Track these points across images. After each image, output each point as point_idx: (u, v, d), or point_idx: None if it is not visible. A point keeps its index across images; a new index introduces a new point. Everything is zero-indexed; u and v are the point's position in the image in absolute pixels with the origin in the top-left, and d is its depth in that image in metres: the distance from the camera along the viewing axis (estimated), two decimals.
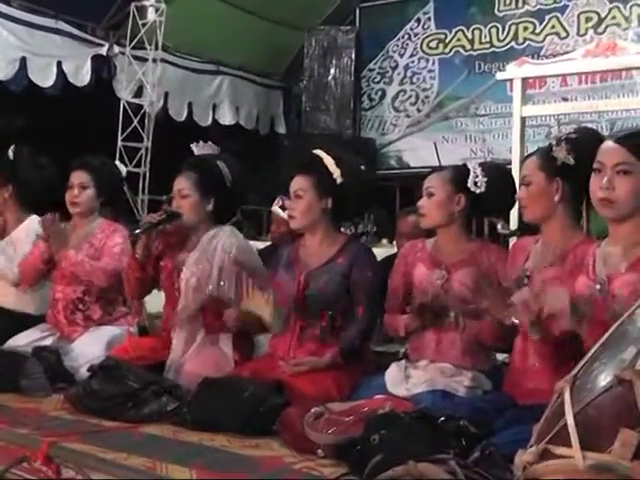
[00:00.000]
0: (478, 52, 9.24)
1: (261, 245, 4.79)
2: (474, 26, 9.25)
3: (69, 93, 8.03)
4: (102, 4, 8.28)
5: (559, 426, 1.66)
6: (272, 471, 2.36)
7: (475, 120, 9.22)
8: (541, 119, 8.07)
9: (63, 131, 7.84)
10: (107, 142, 8.06)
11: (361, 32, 9.81)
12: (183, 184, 3.57)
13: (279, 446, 2.61)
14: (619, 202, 2.36)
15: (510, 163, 5.77)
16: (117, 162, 4.66)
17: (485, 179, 3.09)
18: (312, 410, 2.58)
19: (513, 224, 4.29)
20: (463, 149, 8.99)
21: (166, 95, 8.92)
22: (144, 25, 8.22)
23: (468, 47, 9.31)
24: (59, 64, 7.92)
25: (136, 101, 8.44)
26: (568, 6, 8.64)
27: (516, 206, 3.10)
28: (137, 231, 3.55)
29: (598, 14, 8.45)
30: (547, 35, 8.78)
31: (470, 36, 9.28)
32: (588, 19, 8.53)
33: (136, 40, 8.28)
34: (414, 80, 9.65)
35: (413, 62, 9.67)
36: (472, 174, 3.11)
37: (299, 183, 3.35)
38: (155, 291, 3.84)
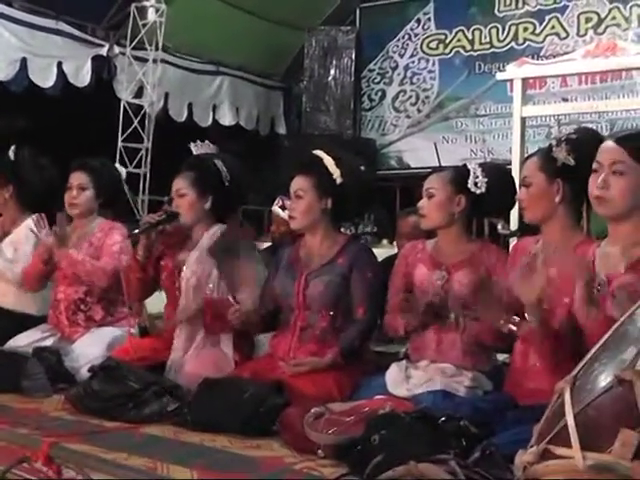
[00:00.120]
0: (478, 52, 9.24)
1: (261, 245, 4.80)
2: (474, 26, 9.24)
3: (69, 94, 8.03)
4: (102, 5, 8.27)
5: (559, 426, 1.67)
6: (273, 471, 2.36)
7: (475, 120, 9.22)
8: (541, 119, 8.07)
9: (63, 132, 7.84)
10: (107, 143, 8.06)
11: (361, 32, 9.80)
12: (181, 183, 3.59)
13: (279, 446, 2.62)
14: (613, 201, 2.37)
15: (510, 163, 5.79)
16: (117, 165, 4.66)
17: (485, 180, 3.09)
18: (312, 410, 2.59)
19: (513, 225, 4.30)
20: (463, 149, 8.99)
21: (166, 96, 8.92)
22: (144, 26, 8.22)
23: (468, 47, 9.31)
24: (59, 65, 7.92)
25: (136, 102, 8.43)
26: (568, 6, 8.64)
27: (516, 206, 3.10)
28: (136, 231, 3.55)
29: (598, 14, 8.45)
30: (547, 35, 8.78)
31: (470, 36, 9.28)
32: (588, 19, 8.53)
33: (136, 41, 8.28)
34: (414, 80, 9.65)
35: (413, 62, 9.67)
36: (472, 175, 3.11)
37: (299, 183, 3.35)
38: (156, 291, 3.85)
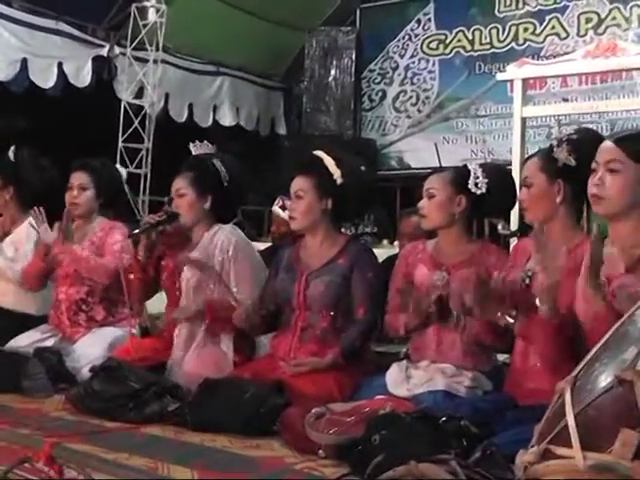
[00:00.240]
0: (478, 53, 9.24)
1: (262, 246, 4.80)
2: (474, 27, 9.24)
3: (70, 94, 8.02)
4: (103, 5, 8.27)
5: (560, 426, 1.67)
6: (273, 471, 2.37)
7: (475, 121, 9.22)
8: (541, 120, 8.06)
9: (64, 132, 7.84)
10: (108, 143, 8.07)
11: (362, 33, 9.80)
12: (180, 184, 3.59)
13: (280, 446, 2.62)
14: (609, 199, 2.38)
15: (510, 164, 5.78)
16: (118, 165, 4.67)
17: (486, 180, 3.09)
18: (313, 410, 2.59)
19: (514, 225, 4.30)
20: (463, 150, 8.99)
21: (167, 96, 8.92)
22: (145, 26, 8.22)
23: (468, 48, 9.30)
24: (60, 65, 7.92)
25: (137, 102, 8.43)
26: (568, 7, 8.64)
27: (517, 207, 3.10)
28: (136, 231, 3.56)
29: (598, 15, 8.45)
30: (547, 36, 8.77)
31: (470, 37, 9.28)
32: (588, 20, 8.53)
33: (137, 41, 8.28)
34: (414, 81, 9.64)
35: (413, 63, 9.67)
36: (473, 175, 3.11)
37: (299, 184, 3.35)
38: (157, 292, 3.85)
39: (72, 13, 7.97)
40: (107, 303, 3.96)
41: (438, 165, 8.03)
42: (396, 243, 6.40)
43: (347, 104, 9.57)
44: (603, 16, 8.41)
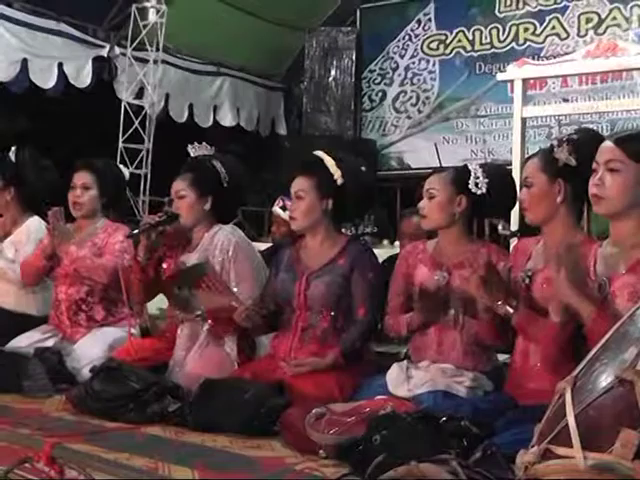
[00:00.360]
0: (479, 53, 9.24)
1: (262, 246, 4.80)
2: (475, 27, 9.24)
3: (70, 94, 8.03)
4: (103, 6, 8.28)
5: (560, 426, 1.67)
6: (274, 471, 2.37)
7: (476, 121, 9.22)
8: (542, 120, 8.07)
9: (64, 132, 7.85)
10: (108, 144, 8.07)
11: (362, 33, 9.81)
12: (180, 185, 3.59)
13: (281, 447, 2.62)
14: (609, 198, 2.38)
15: (511, 164, 5.78)
16: (120, 165, 4.66)
17: (486, 180, 3.09)
18: (313, 411, 2.59)
19: (514, 225, 4.30)
20: (464, 150, 8.99)
21: (167, 96, 8.93)
22: (145, 26, 8.23)
23: (469, 48, 9.31)
24: (60, 65, 7.93)
25: (137, 102, 8.44)
26: (568, 7, 8.64)
27: (517, 207, 3.10)
28: (135, 231, 3.55)
29: (598, 15, 8.45)
30: (547, 36, 8.78)
31: (471, 37, 9.28)
32: (588, 20, 8.53)
33: (137, 41, 8.29)
34: (415, 81, 9.65)
35: (414, 63, 9.67)
36: (473, 175, 3.11)
37: (300, 184, 3.35)
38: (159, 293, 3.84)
39: (72, 14, 7.97)
40: (107, 303, 3.96)
41: (438, 165, 8.03)
42: (396, 243, 6.40)
43: (347, 104, 9.58)
44: (603, 16, 8.41)
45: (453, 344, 3.08)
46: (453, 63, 9.39)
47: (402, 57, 9.74)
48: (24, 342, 3.79)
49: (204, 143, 3.74)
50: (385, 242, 7.13)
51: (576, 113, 7.28)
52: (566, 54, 7.14)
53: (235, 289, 3.43)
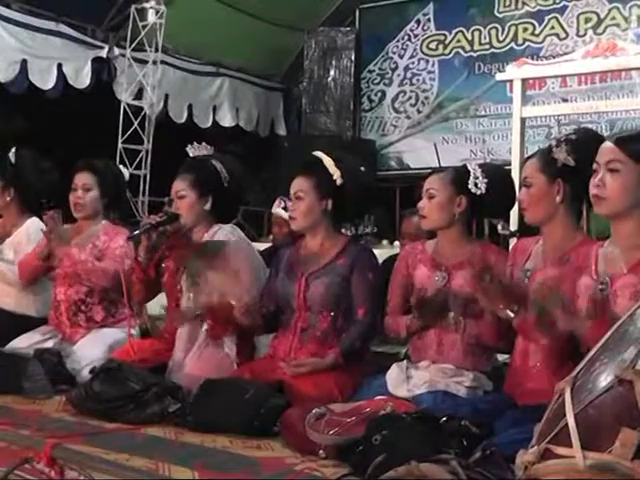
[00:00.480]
0: (478, 53, 9.25)
1: (262, 246, 4.80)
2: (474, 27, 9.25)
3: (69, 95, 8.04)
4: (102, 6, 8.29)
5: (560, 426, 1.67)
6: (274, 472, 2.36)
7: (475, 121, 9.23)
8: (541, 120, 8.09)
9: (63, 133, 7.85)
10: (107, 144, 8.07)
11: (361, 33, 9.82)
12: (180, 185, 3.59)
13: (281, 447, 2.62)
14: (610, 199, 2.38)
15: (510, 164, 5.79)
16: (120, 166, 4.66)
17: (485, 180, 3.09)
18: (313, 411, 2.59)
19: (513, 225, 4.30)
20: (463, 150, 9.00)
21: (166, 97, 8.94)
22: (144, 27, 8.23)
23: (468, 48, 9.32)
24: (59, 66, 7.94)
25: (136, 103, 8.45)
26: (567, 7, 8.65)
27: (516, 206, 3.10)
28: (136, 232, 3.55)
29: (597, 15, 8.46)
30: (547, 36, 8.79)
31: (470, 37, 9.29)
32: (587, 20, 8.54)
33: (136, 42, 8.29)
34: (414, 81, 9.66)
35: (413, 63, 9.68)
36: (472, 175, 3.11)
37: (299, 184, 3.35)
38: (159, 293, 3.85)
39: (72, 14, 7.98)
40: (106, 303, 3.96)
41: (438, 165, 8.03)
42: (396, 243, 6.41)
43: (346, 105, 9.59)
44: (602, 16, 8.42)
45: (453, 344, 3.08)
46: (452, 63, 9.40)
47: (401, 57, 9.75)
48: (24, 343, 3.79)
49: (204, 143, 3.74)
50: (385, 242, 7.14)
51: (575, 113, 7.29)
52: (565, 54, 7.15)
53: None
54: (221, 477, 2.32)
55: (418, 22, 9.64)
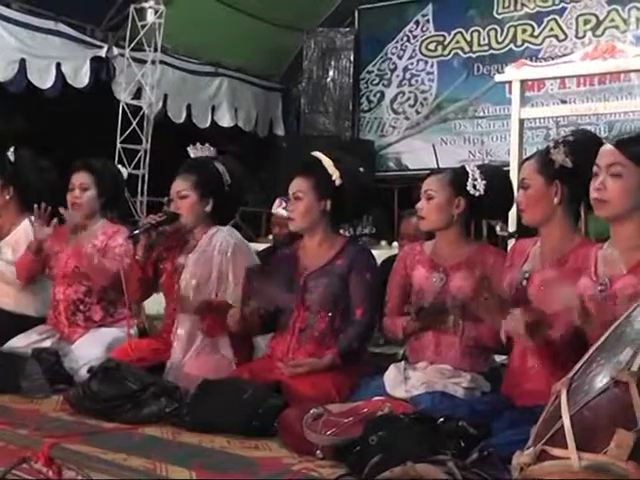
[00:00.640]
0: (477, 54, 9.25)
1: (260, 247, 4.80)
2: (473, 28, 9.25)
3: (68, 95, 8.03)
4: (101, 6, 8.28)
5: (556, 428, 1.68)
6: (271, 472, 2.37)
7: (474, 122, 9.23)
8: (539, 121, 8.09)
9: (62, 133, 7.85)
10: (106, 144, 8.06)
11: (360, 34, 9.82)
12: (181, 185, 3.59)
13: (278, 447, 2.62)
14: (611, 202, 2.38)
15: (508, 165, 5.79)
16: (118, 165, 4.66)
17: (484, 182, 3.10)
18: (311, 411, 2.59)
19: (511, 226, 4.30)
20: (462, 151, 9.01)
21: (165, 97, 8.93)
22: (143, 27, 8.23)
23: (467, 49, 9.32)
24: (58, 66, 7.93)
25: (135, 103, 8.44)
26: (567, 9, 8.65)
27: (514, 208, 3.10)
28: (136, 232, 3.56)
29: (596, 17, 8.46)
30: (546, 37, 8.79)
31: (469, 38, 9.29)
32: (586, 22, 8.54)
33: (135, 42, 8.29)
34: (413, 82, 9.65)
35: (412, 64, 9.68)
36: (471, 177, 3.12)
37: (298, 185, 3.36)
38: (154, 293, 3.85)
39: (71, 14, 7.97)
40: (105, 303, 3.96)
41: (436, 166, 8.04)
42: (394, 244, 6.42)
43: (345, 105, 9.59)
44: (601, 18, 8.42)
45: (450, 345, 3.08)
46: (451, 64, 9.40)
47: (400, 58, 9.74)
48: (22, 342, 3.79)
49: (207, 144, 3.74)
50: (383, 243, 7.15)
51: (574, 114, 7.29)
52: (564, 55, 7.14)
53: (233, 290, 3.44)
54: (219, 477, 2.33)
55: (417, 23, 9.63)
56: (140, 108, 8.41)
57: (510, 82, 6.28)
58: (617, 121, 8.06)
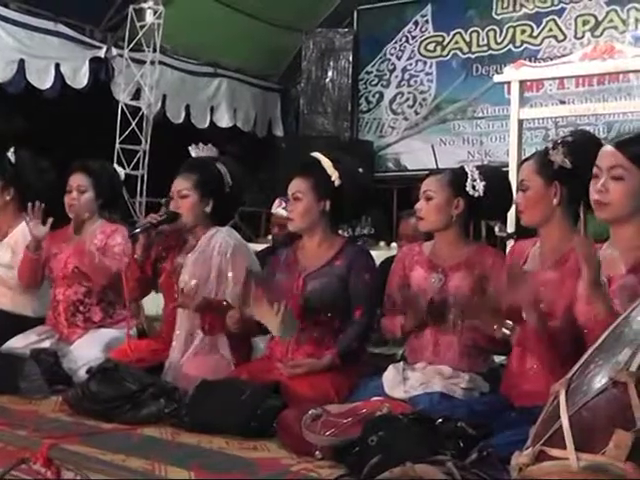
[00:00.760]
0: (476, 55, 9.25)
1: (259, 247, 4.81)
2: (472, 29, 9.25)
3: (67, 95, 8.02)
4: (100, 6, 8.27)
5: (554, 428, 1.68)
6: (270, 473, 2.37)
7: (472, 123, 9.23)
8: (538, 122, 8.10)
9: (61, 133, 7.84)
10: (105, 144, 8.06)
11: (359, 35, 9.81)
12: (182, 184, 3.59)
13: (277, 448, 2.62)
14: (613, 205, 2.38)
15: (507, 166, 5.79)
16: (115, 166, 4.66)
17: (483, 183, 3.10)
18: (310, 412, 2.59)
19: (510, 227, 4.31)
20: (460, 152, 9.01)
21: (164, 97, 8.92)
22: (142, 27, 8.22)
23: (466, 50, 9.31)
24: (57, 66, 7.92)
25: (134, 103, 8.43)
26: (565, 9, 8.66)
27: (513, 208, 3.11)
28: (137, 230, 3.56)
29: (595, 17, 8.46)
30: (544, 38, 8.79)
31: (468, 39, 9.29)
32: (585, 22, 8.54)
33: (134, 42, 8.28)
34: (412, 83, 9.65)
35: (411, 65, 9.67)
36: (470, 178, 3.12)
37: (297, 185, 3.36)
38: (153, 294, 3.85)
39: (70, 14, 7.97)
40: (105, 304, 3.96)
41: (435, 167, 8.05)
42: (393, 244, 6.42)
43: (344, 106, 9.59)
44: (600, 18, 8.42)
45: (449, 345, 3.09)
46: (450, 65, 9.40)
47: (399, 59, 9.74)
48: (20, 343, 3.79)
49: (209, 145, 3.74)
50: (382, 243, 7.15)
51: (573, 115, 7.30)
52: (563, 56, 7.15)
53: (232, 291, 3.44)
54: (217, 478, 2.33)
55: (416, 24, 9.63)
56: (139, 108, 8.40)
57: (509, 83, 6.30)
58: (616, 121, 8.06)
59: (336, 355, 3.16)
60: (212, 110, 9.53)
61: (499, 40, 9.09)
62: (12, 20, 7.55)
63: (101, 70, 8.34)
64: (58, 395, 3.28)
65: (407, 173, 9.28)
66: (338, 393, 3.05)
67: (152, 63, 8.45)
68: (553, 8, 8.73)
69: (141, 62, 8.44)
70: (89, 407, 3.01)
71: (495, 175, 3.23)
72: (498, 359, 3.20)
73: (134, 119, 8.33)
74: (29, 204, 3.92)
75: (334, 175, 3.31)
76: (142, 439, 2.74)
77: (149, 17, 8.25)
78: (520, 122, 6.08)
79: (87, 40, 8.27)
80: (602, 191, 2.38)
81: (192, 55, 9.25)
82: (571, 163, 2.69)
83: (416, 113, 9.62)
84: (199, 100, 9.38)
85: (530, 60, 7.60)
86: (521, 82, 6.11)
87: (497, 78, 6.74)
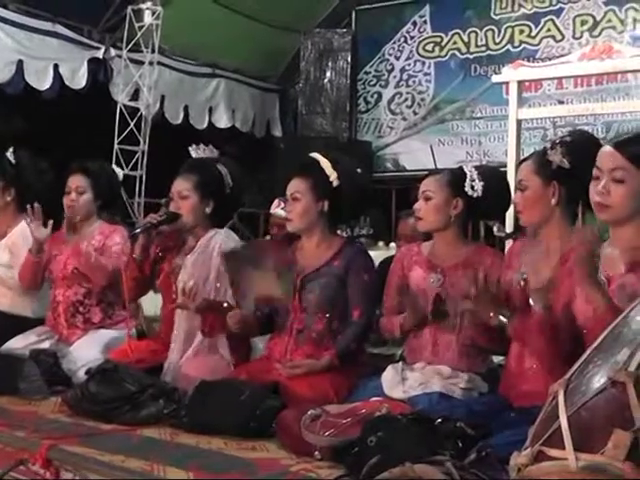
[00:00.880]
0: (474, 55, 9.25)
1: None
2: (470, 29, 9.25)
3: (65, 96, 8.02)
4: (99, 7, 8.27)
5: (553, 428, 1.68)
6: (269, 473, 2.37)
7: (471, 123, 9.23)
8: (537, 122, 8.10)
9: (59, 134, 7.84)
10: (103, 145, 8.05)
11: (357, 35, 9.82)
12: (183, 185, 3.59)
13: (276, 448, 2.62)
14: (614, 206, 2.37)
15: (506, 166, 5.79)
16: (114, 166, 4.66)
17: (482, 183, 3.10)
18: (309, 412, 2.59)
19: (509, 227, 4.31)
20: (459, 152, 9.01)
21: (162, 98, 8.91)
22: (140, 28, 8.22)
23: (464, 50, 9.31)
24: (56, 67, 7.91)
25: (132, 104, 8.43)
26: (564, 9, 8.66)
27: (512, 208, 3.11)
28: (137, 230, 3.56)
29: (594, 17, 8.47)
30: (543, 38, 8.79)
31: (466, 39, 9.29)
32: (584, 22, 8.54)
33: (132, 43, 8.28)
34: (410, 83, 9.65)
35: (409, 65, 9.67)
36: (469, 178, 3.12)
37: (296, 186, 3.36)
38: (152, 294, 3.85)
39: (68, 15, 7.96)
40: (104, 305, 3.96)
41: (434, 167, 8.05)
42: (392, 245, 6.42)
43: (342, 106, 9.59)
44: (598, 18, 8.42)
45: (448, 345, 3.09)
46: (448, 65, 9.40)
47: (397, 59, 9.74)
48: (19, 344, 3.79)
49: (210, 145, 3.74)
50: (380, 244, 7.15)
51: (571, 115, 7.30)
52: (561, 56, 7.14)
53: (231, 292, 3.44)
54: (216, 478, 2.33)
55: (414, 24, 9.63)
56: (137, 109, 8.40)
57: (507, 83, 6.29)
58: (614, 121, 8.07)
59: (335, 355, 3.16)
60: (211, 111, 9.52)
61: (497, 40, 9.09)
62: (11, 21, 7.55)
63: (99, 71, 8.33)
64: (57, 396, 3.28)
65: (406, 173, 9.28)
66: (337, 393, 3.05)
67: (150, 64, 8.44)
68: (551, 8, 8.72)
69: (139, 63, 8.43)
70: (88, 408, 3.02)
71: (494, 175, 3.24)
72: (497, 359, 3.21)
73: (132, 120, 8.32)
74: (28, 206, 3.92)
75: (333, 175, 3.32)
76: (141, 440, 2.74)
77: (147, 18, 8.24)
78: (518, 122, 6.08)
79: (85, 41, 8.26)
80: (603, 193, 2.36)
81: (190, 56, 9.25)
82: (569, 163, 2.69)
83: (414, 113, 9.62)
84: (197, 101, 9.38)
85: (528, 60, 7.59)
86: (519, 82, 6.11)
87: (495, 78, 6.73)
